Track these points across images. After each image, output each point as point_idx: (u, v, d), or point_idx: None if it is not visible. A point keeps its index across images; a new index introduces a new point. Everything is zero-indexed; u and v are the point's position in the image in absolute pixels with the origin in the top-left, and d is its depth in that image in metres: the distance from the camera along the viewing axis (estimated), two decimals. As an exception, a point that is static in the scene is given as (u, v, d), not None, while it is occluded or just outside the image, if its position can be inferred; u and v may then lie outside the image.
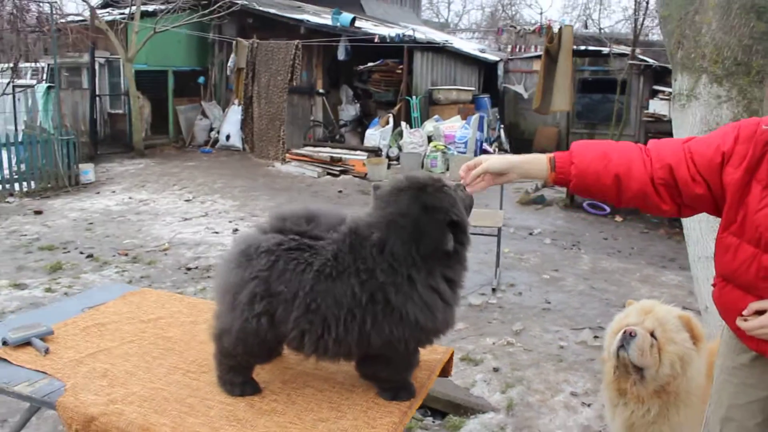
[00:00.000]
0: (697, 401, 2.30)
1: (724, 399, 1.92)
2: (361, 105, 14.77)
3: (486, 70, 16.76)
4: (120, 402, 1.89)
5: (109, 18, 13.27)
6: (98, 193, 9.74)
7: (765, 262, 1.65)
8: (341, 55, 13.50)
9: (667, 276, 6.06)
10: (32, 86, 12.71)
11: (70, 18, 13.29)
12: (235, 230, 7.49)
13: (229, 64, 13.72)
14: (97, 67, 13.39)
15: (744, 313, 1.71)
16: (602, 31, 18.97)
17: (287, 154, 12.30)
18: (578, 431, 3.34)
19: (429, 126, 12.85)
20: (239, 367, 1.97)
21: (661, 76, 14.84)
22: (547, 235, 7.62)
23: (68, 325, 2.44)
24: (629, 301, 2.53)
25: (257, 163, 12.50)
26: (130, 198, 9.38)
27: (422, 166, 11.80)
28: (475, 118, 12.41)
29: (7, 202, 8.93)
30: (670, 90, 13.56)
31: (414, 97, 13.52)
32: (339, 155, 11.94)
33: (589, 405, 3.58)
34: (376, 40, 12.85)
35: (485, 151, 12.03)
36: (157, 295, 2.84)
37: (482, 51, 18.18)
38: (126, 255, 6.45)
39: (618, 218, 8.38)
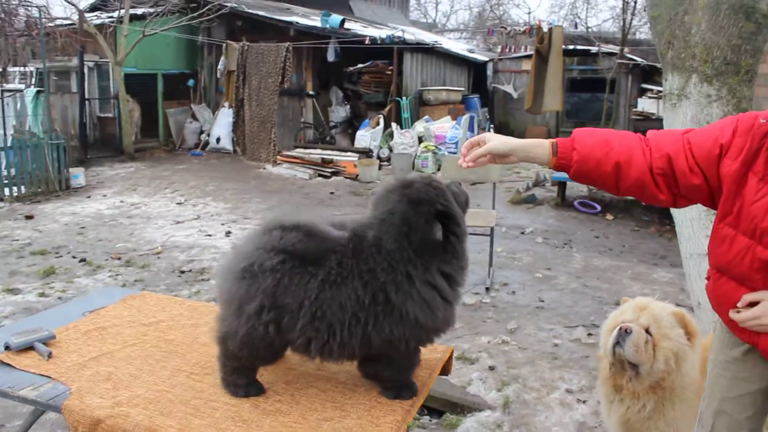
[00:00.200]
0: (691, 396, 2.34)
1: (716, 392, 1.96)
2: (351, 106, 14.80)
3: (475, 71, 16.84)
4: (125, 404, 1.90)
5: (98, 21, 13.21)
6: (89, 197, 9.71)
7: (759, 254, 1.68)
8: (331, 57, 13.53)
9: (658, 273, 6.12)
10: (21, 90, 12.64)
11: (58, 22, 13.24)
12: (228, 233, 7.50)
13: (219, 66, 13.71)
14: (86, 70, 13.33)
15: (738, 305, 1.75)
16: (589, 30, 19.10)
17: (278, 156, 12.30)
18: (574, 428, 3.38)
19: (419, 127, 12.89)
20: (243, 369, 1.99)
21: (649, 74, 14.99)
22: (539, 234, 7.67)
23: (70, 329, 2.45)
24: (624, 298, 2.57)
25: (248, 166, 12.50)
26: (121, 202, 9.36)
27: (413, 167, 11.84)
28: (465, 118, 12.47)
29: (-2, 207, 8.90)
30: (658, 88, 13.69)
31: (404, 98, 13.56)
32: (330, 157, 11.96)
33: (584, 402, 3.62)
34: (367, 42, 12.88)
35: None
36: (157, 298, 2.85)
37: (471, 51, 18.25)
38: (119, 259, 6.44)
39: (609, 216, 8.45)
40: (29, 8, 12.49)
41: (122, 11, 12.72)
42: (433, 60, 14.98)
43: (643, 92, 14.90)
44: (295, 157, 12.15)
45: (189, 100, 15.03)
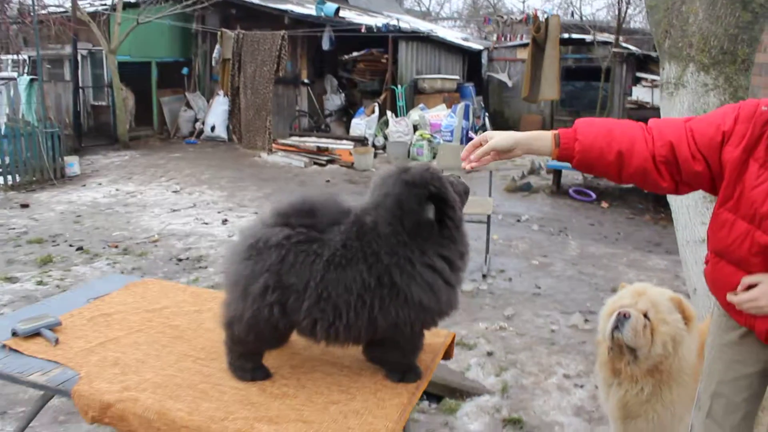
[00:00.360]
0: (688, 379, 2.38)
1: (714, 375, 2.01)
2: (345, 94, 14.79)
3: (470, 59, 16.82)
4: (134, 389, 1.93)
5: (91, 9, 13.12)
6: (84, 185, 9.69)
7: (758, 238, 1.72)
8: (325, 45, 13.48)
9: (653, 260, 6.17)
10: (14, 79, 12.56)
11: (51, 9, 13.14)
12: (225, 221, 7.51)
13: (214, 55, 13.64)
14: (79, 58, 13.26)
15: (738, 289, 1.78)
16: (583, 18, 19.09)
17: (273, 145, 12.29)
18: (572, 412, 3.43)
19: (414, 115, 12.90)
20: (250, 354, 2.02)
21: (643, 63, 15.01)
22: (535, 221, 7.72)
23: (74, 315, 2.47)
24: (622, 284, 2.60)
25: (243, 154, 12.49)
26: (117, 190, 9.35)
27: (409, 155, 11.87)
28: (460, 106, 12.48)
29: (-7, 195, 8.89)
30: (652, 77, 13.71)
31: (399, 86, 13.56)
32: (325, 145, 11.96)
33: (581, 386, 3.67)
34: (363, 30, 12.84)
35: (471, 140, 12.08)
36: (161, 284, 2.87)
37: (465, 40, 18.23)
38: (116, 247, 6.45)
39: (604, 204, 8.50)
40: (22, -5, 12.41)
41: (116, -1, 12.65)
42: (428, 48, 14.96)
43: (637, 81, 14.92)
44: (290, 146, 12.14)
45: (183, 88, 14.98)
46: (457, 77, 15.43)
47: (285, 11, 13.40)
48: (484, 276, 5.59)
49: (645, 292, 2.40)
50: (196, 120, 14.46)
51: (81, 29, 12.68)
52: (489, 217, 5.73)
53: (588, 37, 15.33)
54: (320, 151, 11.74)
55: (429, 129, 12.41)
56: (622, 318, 2.31)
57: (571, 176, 9.76)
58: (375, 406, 1.86)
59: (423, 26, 16.44)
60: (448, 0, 40.79)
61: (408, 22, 15.12)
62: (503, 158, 1.95)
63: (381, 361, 2.06)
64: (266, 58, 12.40)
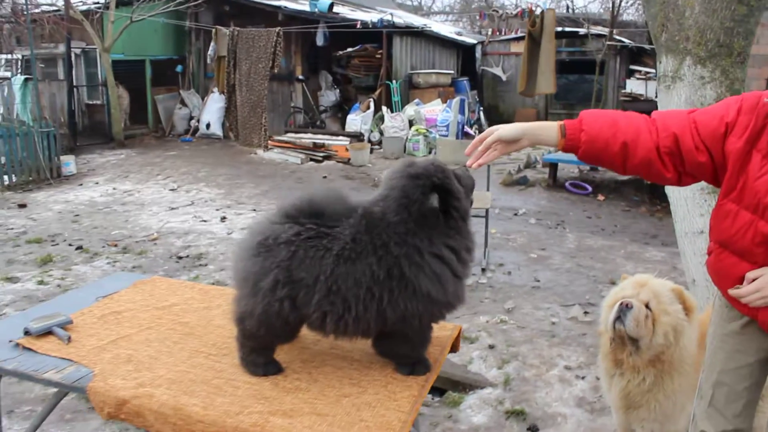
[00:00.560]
0: (690, 369, 2.42)
1: (715, 365, 2.04)
2: (340, 90, 14.80)
3: (464, 53, 16.84)
4: (148, 385, 1.96)
5: (84, 8, 13.07)
6: (81, 184, 9.69)
7: (761, 228, 1.75)
8: (320, 41, 13.49)
9: (650, 252, 6.22)
10: (8, 78, 12.54)
11: (44, 8, 13.10)
12: (223, 218, 7.53)
13: (209, 52, 13.62)
14: (73, 57, 13.23)
15: (744, 284, 1.81)
16: (575, 11, 19.13)
17: (269, 141, 12.30)
18: (574, 403, 3.47)
19: (410, 110, 12.93)
20: (261, 349, 2.05)
21: (637, 56, 15.07)
22: (532, 215, 7.77)
23: (85, 314, 2.50)
24: (623, 275, 2.64)
25: (239, 151, 12.49)
26: (114, 189, 9.35)
27: (404, 150, 11.89)
28: (456, 101, 12.51)
29: (-10, 196, 8.88)
30: (646, 70, 13.78)
31: (394, 81, 13.58)
32: (321, 141, 11.98)
33: (583, 378, 3.71)
34: (358, 26, 12.85)
35: (467, 134, 12.13)
36: (168, 282, 2.90)
37: (459, 34, 18.24)
38: (116, 246, 6.47)
39: (600, 197, 8.55)
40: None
41: (109, -3, 12.62)
42: (422, 43, 14.98)
43: (631, 73, 15.00)
44: (286, 142, 12.15)
45: (177, 86, 14.95)
46: (451, 72, 15.47)
47: (279, 7, 13.40)
48: (483, 270, 5.63)
49: (646, 283, 2.44)
50: (191, 118, 14.45)
51: (74, 28, 12.65)
52: (487, 211, 5.77)
53: (582, 30, 15.37)
54: (316, 147, 11.76)
55: (425, 124, 12.44)
56: (625, 309, 2.34)
57: (567, 169, 9.81)
58: (387, 399, 1.90)
59: (416, 21, 16.44)
60: (440, -6, 40.77)
61: (401, 17, 15.11)
62: (510, 150, 1.96)
63: (391, 354, 2.09)
64: (261, 55, 12.40)
